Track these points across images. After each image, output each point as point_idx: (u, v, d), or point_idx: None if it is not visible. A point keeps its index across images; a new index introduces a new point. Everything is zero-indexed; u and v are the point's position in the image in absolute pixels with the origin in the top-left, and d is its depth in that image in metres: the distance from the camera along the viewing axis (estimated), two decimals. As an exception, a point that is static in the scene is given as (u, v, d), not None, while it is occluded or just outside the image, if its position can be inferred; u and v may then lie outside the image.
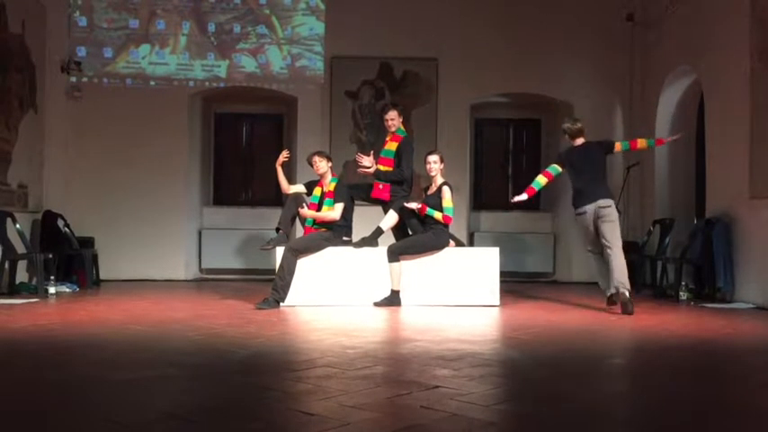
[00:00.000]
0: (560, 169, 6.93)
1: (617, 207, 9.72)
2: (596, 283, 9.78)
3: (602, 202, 6.66)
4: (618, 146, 6.93)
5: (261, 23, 10.30)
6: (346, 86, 10.25)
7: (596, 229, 6.70)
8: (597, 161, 6.79)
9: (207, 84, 10.28)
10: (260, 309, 6.72)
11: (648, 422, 3.01)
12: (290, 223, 7.37)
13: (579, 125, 6.95)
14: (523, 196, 6.91)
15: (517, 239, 10.46)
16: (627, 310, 6.40)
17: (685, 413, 3.19)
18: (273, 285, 6.96)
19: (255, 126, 11.08)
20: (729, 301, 7.62)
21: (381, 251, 7.13)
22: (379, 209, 7.51)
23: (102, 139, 9.94)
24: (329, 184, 7.29)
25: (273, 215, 8.52)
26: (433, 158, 7.20)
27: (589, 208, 6.68)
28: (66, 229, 9.16)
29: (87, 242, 9.41)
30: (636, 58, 10.32)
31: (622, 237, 9.85)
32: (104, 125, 9.99)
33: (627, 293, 6.49)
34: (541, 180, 6.92)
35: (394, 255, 7.07)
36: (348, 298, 7.09)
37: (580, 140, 6.94)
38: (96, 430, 2.79)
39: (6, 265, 8.04)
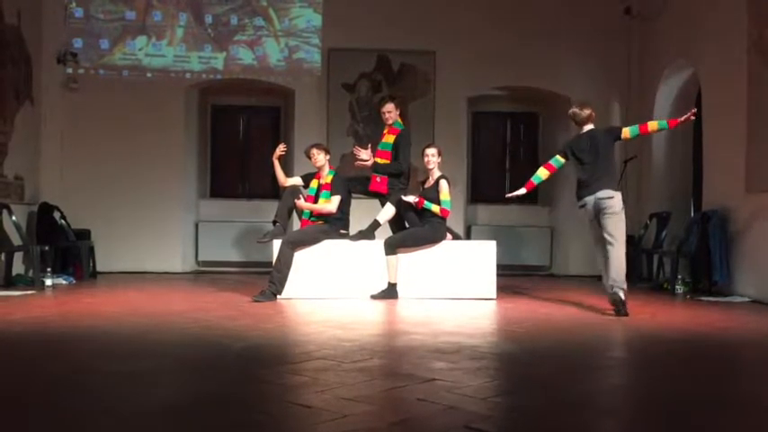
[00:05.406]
0: (563, 161, 6.41)
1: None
2: (593, 277, 9.83)
3: (601, 194, 6.10)
4: (626, 132, 6.19)
5: (258, 15, 10.26)
6: (343, 79, 10.23)
7: (599, 222, 6.18)
8: (602, 150, 6.21)
9: (204, 76, 10.25)
10: (257, 301, 6.71)
11: (643, 415, 3.01)
12: (287, 216, 7.36)
13: (588, 111, 6.33)
14: (521, 191, 6.52)
15: (514, 233, 10.46)
16: (618, 312, 5.95)
17: (681, 406, 3.19)
18: (270, 278, 6.96)
19: (252, 118, 11.05)
20: (726, 295, 7.63)
21: (378, 244, 7.13)
22: (377, 202, 7.51)
23: (98, 131, 9.91)
24: (326, 176, 7.28)
25: (270, 208, 8.52)
26: (431, 151, 7.18)
27: (589, 200, 6.18)
28: (63, 221, 9.14)
29: (84, 234, 9.39)
30: (633, 52, 10.31)
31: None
32: (101, 117, 9.96)
33: (621, 294, 5.99)
34: (542, 174, 6.45)
35: (391, 248, 7.06)
36: (345, 291, 7.09)
37: (588, 127, 6.35)
38: (93, 422, 2.79)
39: (2, 258, 8.03)
